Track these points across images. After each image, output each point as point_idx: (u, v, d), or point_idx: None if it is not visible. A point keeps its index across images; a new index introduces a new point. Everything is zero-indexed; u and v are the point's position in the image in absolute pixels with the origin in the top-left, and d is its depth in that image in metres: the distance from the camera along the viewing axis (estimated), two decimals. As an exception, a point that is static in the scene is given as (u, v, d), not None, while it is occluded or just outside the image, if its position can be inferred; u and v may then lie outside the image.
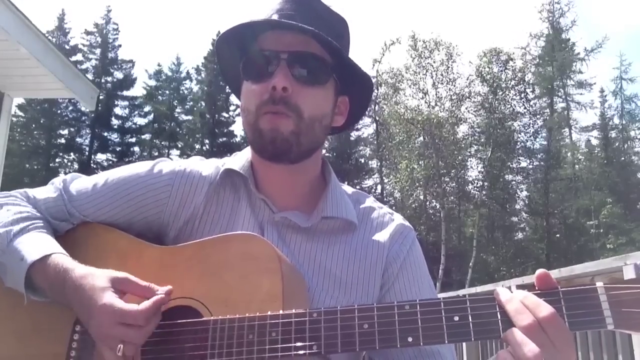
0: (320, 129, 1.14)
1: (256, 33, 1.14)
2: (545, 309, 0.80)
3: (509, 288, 0.86)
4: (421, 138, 25.28)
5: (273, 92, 1.08)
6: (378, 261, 1.15)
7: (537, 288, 0.84)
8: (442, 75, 25.88)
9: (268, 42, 1.12)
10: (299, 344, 0.88)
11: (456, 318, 0.83)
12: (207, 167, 1.20)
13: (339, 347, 0.86)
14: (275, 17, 1.13)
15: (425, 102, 25.84)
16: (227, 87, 1.33)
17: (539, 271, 0.85)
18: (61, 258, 1.03)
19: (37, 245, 1.06)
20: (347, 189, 1.27)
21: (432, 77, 25.92)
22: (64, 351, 1.03)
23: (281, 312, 0.91)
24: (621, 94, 35.73)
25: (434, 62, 25.84)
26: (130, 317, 0.90)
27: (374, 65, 28.85)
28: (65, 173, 1.27)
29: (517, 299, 0.82)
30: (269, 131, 1.08)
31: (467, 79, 26.03)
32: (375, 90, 30.38)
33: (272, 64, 1.10)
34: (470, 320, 0.82)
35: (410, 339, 0.83)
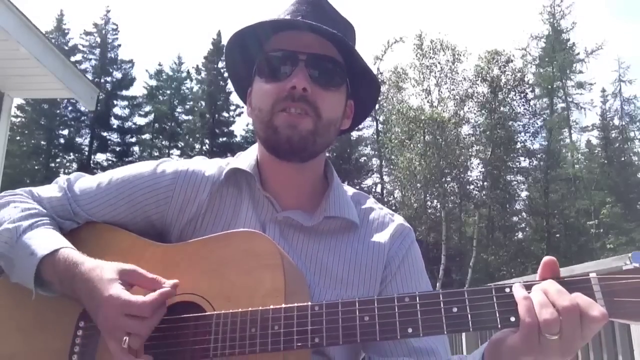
0: (334, 132, 1.16)
1: (273, 33, 1.14)
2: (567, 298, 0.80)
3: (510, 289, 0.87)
4: (422, 137, 25.21)
5: (292, 91, 1.08)
6: (378, 261, 1.16)
7: (539, 276, 0.86)
8: (446, 75, 25.84)
9: (286, 42, 1.12)
10: (300, 336, 0.89)
11: (455, 309, 0.85)
12: (210, 166, 1.21)
13: (340, 339, 0.88)
14: (289, 18, 1.14)
15: (428, 101, 25.81)
16: (233, 87, 1.32)
17: (548, 258, 0.86)
18: (71, 252, 1.05)
19: (47, 240, 1.07)
20: (348, 189, 1.27)
21: (435, 77, 25.87)
22: (67, 346, 1.04)
23: (283, 306, 0.92)
24: (620, 96, 35.77)
25: (439, 62, 25.79)
26: (135, 309, 0.92)
27: (375, 62, 28.69)
28: (66, 173, 1.27)
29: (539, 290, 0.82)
30: (286, 129, 1.09)
31: (470, 80, 25.99)
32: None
33: (291, 65, 1.10)
34: (469, 311, 0.84)
35: (410, 330, 0.85)
